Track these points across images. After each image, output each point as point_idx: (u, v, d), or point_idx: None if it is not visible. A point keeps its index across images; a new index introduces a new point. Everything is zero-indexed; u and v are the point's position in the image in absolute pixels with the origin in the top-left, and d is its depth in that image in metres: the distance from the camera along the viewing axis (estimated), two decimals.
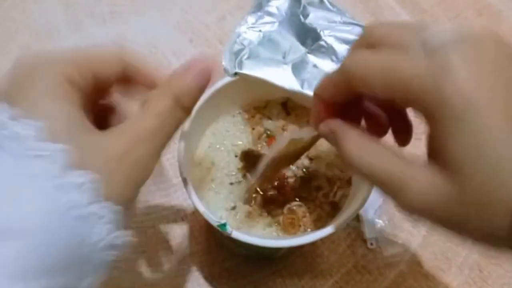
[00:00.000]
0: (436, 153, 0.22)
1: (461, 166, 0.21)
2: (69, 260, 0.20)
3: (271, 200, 0.36)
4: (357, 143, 0.25)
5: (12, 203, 0.19)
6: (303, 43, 0.42)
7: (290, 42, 0.39)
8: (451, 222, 0.22)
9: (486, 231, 0.21)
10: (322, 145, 0.36)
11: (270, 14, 0.39)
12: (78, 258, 0.21)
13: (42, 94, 0.22)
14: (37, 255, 0.19)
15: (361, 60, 0.23)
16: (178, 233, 0.42)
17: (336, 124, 0.26)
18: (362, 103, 0.27)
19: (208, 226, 0.34)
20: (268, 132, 0.38)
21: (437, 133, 0.22)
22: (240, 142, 0.38)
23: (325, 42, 0.36)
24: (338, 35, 0.37)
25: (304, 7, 0.37)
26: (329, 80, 0.26)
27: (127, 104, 0.28)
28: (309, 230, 0.34)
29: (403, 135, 0.28)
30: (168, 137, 0.25)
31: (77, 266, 0.21)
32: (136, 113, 0.25)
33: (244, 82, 0.34)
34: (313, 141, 0.31)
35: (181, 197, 0.43)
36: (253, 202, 0.36)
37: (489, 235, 0.21)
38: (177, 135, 0.29)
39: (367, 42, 0.24)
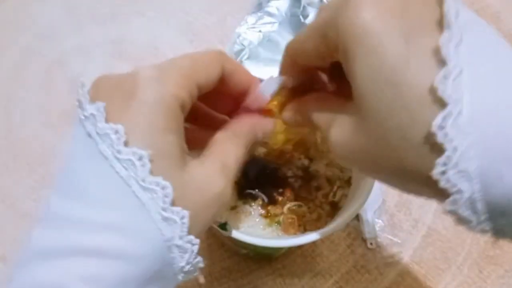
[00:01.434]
0: (352, 93, 0.22)
1: (366, 94, 0.20)
2: (156, 280, 0.22)
3: (272, 200, 0.36)
4: (311, 105, 0.27)
5: (125, 229, 0.21)
6: None
7: None
8: (369, 165, 0.22)
9: (402, 166, 0.20)
10: (322, 145, 0.36)
11: (270, 14, 0.39)
12: (164, 278, 0.23)
13: (153, 119, 0.22)
14: (135, 276, 0.21)
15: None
16: None
17: (299, 104, 0.28)
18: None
19: None
20: None
21: (347, 70, 0.21)
22: None
23: None
24: None
25: (304, 7, 0.38)
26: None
27: None
28: (309, 230, 0.34)
29: None
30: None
31: (161, 285, 0.23)
32: (222, 153, 0.26)
33: None
34: None
35: None
36: (253, 202, 0.36)
37: (408, 171, 0.20)
38: None
39: None
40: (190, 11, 0.54)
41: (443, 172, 0.19)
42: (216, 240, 0.42)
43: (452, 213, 0.20)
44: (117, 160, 0.21)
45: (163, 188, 0.21)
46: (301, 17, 0.39)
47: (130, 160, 0.21)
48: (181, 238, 0.22)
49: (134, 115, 0.22)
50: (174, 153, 0.23)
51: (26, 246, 0.21)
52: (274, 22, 0.39)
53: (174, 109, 0.23)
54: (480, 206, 0.18)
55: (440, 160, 0.18)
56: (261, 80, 0.28)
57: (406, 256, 0.42)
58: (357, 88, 0.21)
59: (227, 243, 0.41)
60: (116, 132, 0.21)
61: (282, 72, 0.28)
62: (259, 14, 0.38)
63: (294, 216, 0.35)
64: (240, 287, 0.41)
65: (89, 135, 0.22)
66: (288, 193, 0.36)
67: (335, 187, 0.36)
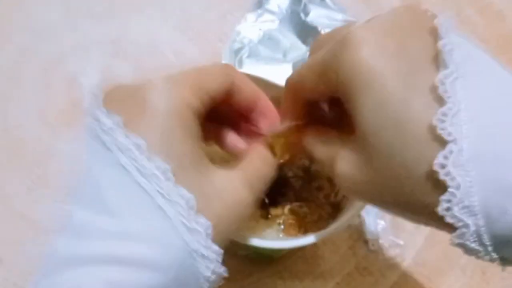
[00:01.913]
0: (355, 129, 0.22)
1: (369, 133, 0.21)
2: None
3: (272, 201, 0.35)
4: (311, 139, 0.27)
5: (151, 239, 0.21)
6: (304, 41, 0.41)
7: (290, 41, 0.39)
8: (375, 197, 0.23)
9: (407, 201, 0.21)
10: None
11: (270, 12, 0.39)
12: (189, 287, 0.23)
13: (170, 130, 0.22)
14: (160, 284, 0.21)
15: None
16: None
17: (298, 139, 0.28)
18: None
19: None
20: None
21: (348, 109, 0.22)
22: None
23: None
24: None
25: (305, 5, 0.37)
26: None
27: None
28: (310, 231, 0.34)
29: None
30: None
31: None
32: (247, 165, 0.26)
33: None
34: None
35: None
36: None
37: (413, 205, 0.21)
38: None
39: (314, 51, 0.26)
40: (189, 9, 0.54)
41: (448, 209, 0.19)
42: None
43: (460, 245, 0.20)
44: (140, 174, 0.21)
45: (187, 200, 0.22)
46: (302, 14, 0.39)
47: (154, 174, 0.21)
48: (206, 248, 0.22)
49: (151, 127, 0.22)
50: (194, 162, 0.23)
51: (50, 255, 0.22)
52: (274, 20, 0.38)
53: (189, 118, 0.23)
54: (486, 238, 0.19)
55: (444, 197, 0.19)
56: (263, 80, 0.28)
57: (408, 257, 0.42)
58: (360, 127, 0.21)
59: (227, 244, 0.40)
60: (138, 147, 0.21)
61: (283, 104, 0.28)
62: (259, 11, 0.38)
63: (295, 217, 0.35)
64: None
65: (108, 148, 0.22)
66: (289, 194, 0.36)
67: (337, 188, 0.36)
